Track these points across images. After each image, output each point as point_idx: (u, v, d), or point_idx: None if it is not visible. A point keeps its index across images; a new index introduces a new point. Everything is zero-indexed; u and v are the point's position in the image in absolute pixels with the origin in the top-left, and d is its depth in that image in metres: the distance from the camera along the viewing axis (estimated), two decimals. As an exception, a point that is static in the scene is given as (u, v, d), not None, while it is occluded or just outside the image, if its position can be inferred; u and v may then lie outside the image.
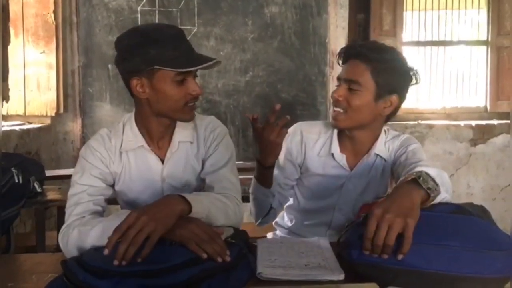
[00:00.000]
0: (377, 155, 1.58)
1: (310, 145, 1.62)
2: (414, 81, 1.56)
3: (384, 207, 1.09)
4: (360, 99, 1.49)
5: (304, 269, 1.15)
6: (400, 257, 1.05)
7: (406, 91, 1.56)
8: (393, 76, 1.51)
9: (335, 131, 1.60)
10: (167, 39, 1.30)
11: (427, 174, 1.18)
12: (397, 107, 1.55)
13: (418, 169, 1.20)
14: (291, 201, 1.71)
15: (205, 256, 1.04)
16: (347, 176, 1.60)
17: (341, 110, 1.51)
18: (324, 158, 1.61)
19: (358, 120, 1.52)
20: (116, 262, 1.01)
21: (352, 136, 1.57)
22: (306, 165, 1.62)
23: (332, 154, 1.59)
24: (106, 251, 1.04)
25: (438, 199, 1.18)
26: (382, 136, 1.60)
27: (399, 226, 1.06)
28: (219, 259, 1.04)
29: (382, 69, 1.48)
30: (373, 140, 1.58)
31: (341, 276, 1.10)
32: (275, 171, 1.59)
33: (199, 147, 1.44)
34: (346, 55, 1.55)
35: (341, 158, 1.59)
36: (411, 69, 1.55)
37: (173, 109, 1.34)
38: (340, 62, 1.58)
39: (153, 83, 1.30)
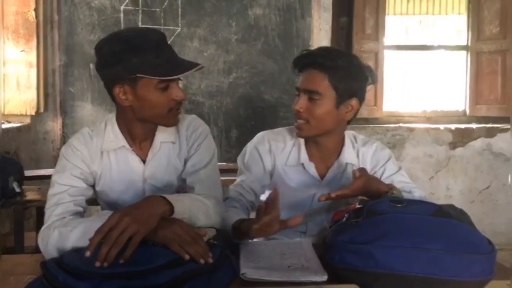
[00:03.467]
0: (347, 163, 1.57)
1: (278, 154, 1.59)
2: (370, 81, 1.55)
3: None
4: (322, 108, 1.48)
5: (287, 270, 1.15)
6: None
7: (365, 92, 1.56)
8: (351, 81, 1.50)
9: (301, 139, 1.58)
10: (150, 46, 1.28)
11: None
12: (358, 110, 1.55)
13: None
14: None
15: (187, 257, 1.04)
16: (317, 185, 1.57)
17: (304, 121, 1.50)
18: (293, 168, 1.58)
19: (321, 128, 1.52)
20: (98, 264, 1.00)
21: (318, 142, 1.56)
22: (276, 175, 1.59)
23: (302, 164, 1.57)
24: (87, 253, 1.03)
25: None
26: (348, 143, 1.59)
27: None
28: (202, 261, 1.04)
29: (340, 75, 1.47)
30: (338, 145, 1.58)
31: (324, 277, 1.11)
32: (241, 178, 1.58)
33: (181, 146, 1.44)
34: (302, 64, 1.53)
35: (311, 167, 1.57)
36: (366, 69, 1.55)
37: (157, 116, 1.33)
38: (296, 71, 1.55)
39: (136, 91, 1.29)
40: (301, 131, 1.52)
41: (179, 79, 1.33)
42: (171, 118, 1.35)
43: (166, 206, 1.15)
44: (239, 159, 1.65)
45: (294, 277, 1.12)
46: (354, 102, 1.52)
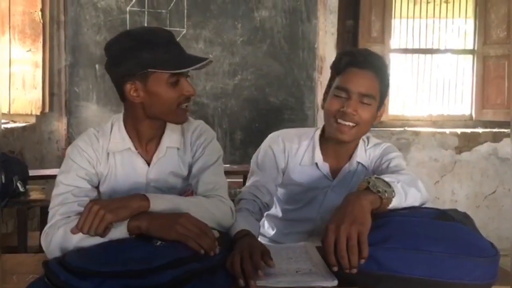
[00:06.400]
0: (358, 163, 1.56)
1: (293, 154, 1.58)
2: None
3: (337, 219, 1.13)
4: (370, 112, 1.46)
5: (295, 275, 1.14)
6: (362, 261, 1.07)
7: None
8: (388, 85, 1.51)
9: (317, 139, 1.57)
10: (159, 42, 1.29)
11: (377, 178, 1.21)
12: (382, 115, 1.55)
13: (373, 177, 1.23)
14: (272, 209, 1.66)
15: (202, 252, 1.07)
16: (329, 185, 1.57)
17: (351, 124, 1.45)
18: (306, 168, 1.57)
19: (363, 132, 1.50)
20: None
21: (339, 145, 1.54)
22: (288, 174, 1.59)
23: (316, 164, 1.56)
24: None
25: (396, 202, 1.21)
26: (362, 144, 1.58)
27: (356, 234, 1.09)
28: (212, 253, 1.08)
29: (385, 79, 1.47)
30: (354, 146, 1.57)
31: (335, 283, 1.10)
32: (255, 177, 1.56)
33: (185, 152, 1.44)
34: (349, 62, 1.47)
35: (325, 167, 1.56)
36: None
37: (167, 112, 1.33)
38: (337, 68, 1.50)
39: (147, 87, 1.30)
40: (345, 135, 1.46)
41: (188, 75, 1.35)
42: (180, 115, 1.36)
43: (143, 201, 1.19)
44: (252, 160, 1.63)
45: (303, 282, 1.10)
46: (383, 107, 1.52)
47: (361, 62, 1.45)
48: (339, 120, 1.45)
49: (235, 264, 1.10)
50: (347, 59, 1.48)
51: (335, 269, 1.09)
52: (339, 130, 1.46)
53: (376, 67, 1.45)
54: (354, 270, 1.07)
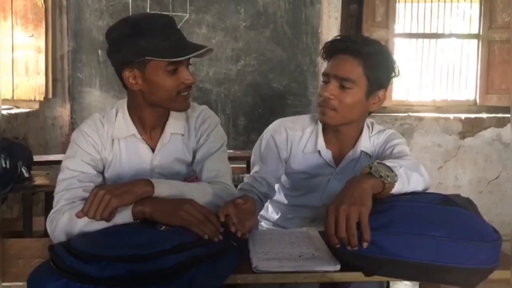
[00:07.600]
0: (362, 150, 1.56)
1: (296, 142, 1.58)
2: (394, 74, 1.53)
3: (337, 200, 1.14)
4: (353, 97, 1.45)
5: (298, 260, 1.15)
6: (365, 245, 1.08)
7: (389, 84, 1.55)
8: (382, 70, 1.48)
9: (320, 126, 1.57)
10: (157, 29, 1.28)
11: (380, 163, 1.22)
12: (383, 102, 1.53)
13: (376, 162, 1.23)
14: (276, 195, 1.68)
15: (206, 237, 1.08)
16: (332, 172, 1.58)
17: (332, 109, 1.47)
18: (309, 155, 1.58)
19: (349, 117, 1.49)
20: (79, 214, 1.14)
21: (338, 130, 1.54)
22: (291, 162, 1.59)
23: (319, 151, 1.56)
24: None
25: (399, 187, 1.21)
26: (366, 131, 1.57)
27: (355, 215, 1.09)
28: (216, 239, 1.09)
29: (373, 64, 1.45)
30: (357, 133, 1.56)
31: (337, 267, 1.11)
32: (255, 169, 1.57)
33: (190, 137, 1.45)
34: (333, 49, 1.50)
35: (328, 154, 1.57)
36: (394, 61, 1.53)
37: (166, 99, 1.33)
38: (325, 55, 1.53)
39: (145, 75, 1.30)
40: (328, 119, 1.48)
41: (188, 63, 1.34)
42: (180, 102, 1.35)
43: (147, 186, 1.19)
44: (255, 148, 1.64)
45: (307, 267, 1.12)
46: (381, 93, 1.50)
47: (342, 48, 1.47)
48: (321, 105, 1.48)
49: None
50: (330, 47, 1.51)
51: (337, 246, 1.11)
52: (322, 113, 1.49)
53: (358, 52, 1.44)
54: (355, 248, 1.08)
